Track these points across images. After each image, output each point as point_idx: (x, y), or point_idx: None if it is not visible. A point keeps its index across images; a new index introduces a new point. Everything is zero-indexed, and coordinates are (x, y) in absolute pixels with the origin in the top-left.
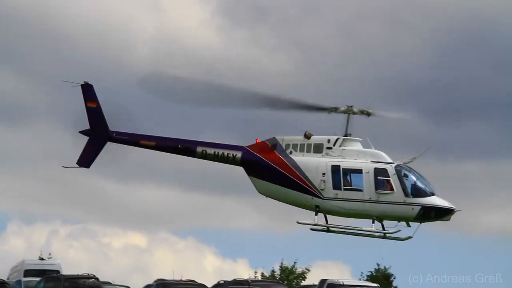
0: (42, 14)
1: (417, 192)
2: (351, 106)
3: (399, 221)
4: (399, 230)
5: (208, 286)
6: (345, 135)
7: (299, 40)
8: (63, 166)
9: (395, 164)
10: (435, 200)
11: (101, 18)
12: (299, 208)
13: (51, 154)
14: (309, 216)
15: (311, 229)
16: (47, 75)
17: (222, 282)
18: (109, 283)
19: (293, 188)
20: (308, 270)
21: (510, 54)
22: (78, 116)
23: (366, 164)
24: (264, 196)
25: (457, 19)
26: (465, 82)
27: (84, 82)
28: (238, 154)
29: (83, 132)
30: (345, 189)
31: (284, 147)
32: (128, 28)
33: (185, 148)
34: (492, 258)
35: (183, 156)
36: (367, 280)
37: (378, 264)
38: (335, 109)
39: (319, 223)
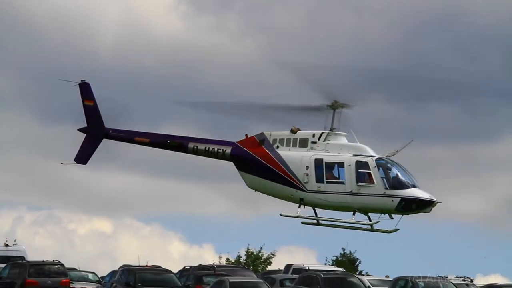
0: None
1: (397, 184)
2: (337, 101)
3: (381, 213)
4: (379, 222)
5: (174, 272)
6: (330, 130)
7: (265, 26)
8: (61, 163)
9: (376, 157)
10: (415, 192)
11: (65, 4)
12: (264, 195)
13: (17, 142)
14: (291, 208)
15: (302, 222)
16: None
17: (188, 267)
18: (74, 269)
19: (279, 182)
20: (274, 255)
21: (476, 38)
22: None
23: (348, 158)
24: (253, 190)
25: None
26: (430, 65)
27: (82, 81)
28: (228, 150)
29: (81, 130)
30: (327, 182)
31: (271, 142)
32: (93, 14)
33: (178, 144)
34: (458, 240)
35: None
36: (332, 265)
37: (343, 249)
38: (321, 106)
39: (302, 216)
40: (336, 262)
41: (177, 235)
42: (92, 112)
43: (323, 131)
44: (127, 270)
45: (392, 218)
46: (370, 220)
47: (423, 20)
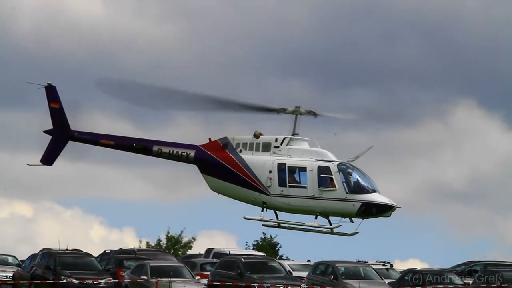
0: None
1: (358, 189)
2: (299, 107)
3: (342, 217)
4: (340, 225)
5: (95, 256)
6: (293, 135)
7: (184, 10)
8: (27, 164)
9: (338, 162)
10: (376, 197)
11: None
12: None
13: None
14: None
15: (263, 225)
16: None
17: (109, 251)
18: None
19: (242, 185)
20: (194, 240)
21: (398, 23)
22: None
23: (311, 162)
24: (216, 193)
25: None
26: (350, 50)
27: (48, 84)
28: (192, 153)
29: (46, 132)
30: (290, 186)
31: (234, 146)
32: None
33: (142, 147)
34: (376, 226)
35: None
36: (253, 249)
37: (264, 234)
38: (283, 110)
39: (265, 219)
40: (257, 247)
41: (98, 218)
42: (57, 114)
43: (285, 136)
44: (47, 253)
45: (352, 222)
46: (331, 224)
47: (346, 5)
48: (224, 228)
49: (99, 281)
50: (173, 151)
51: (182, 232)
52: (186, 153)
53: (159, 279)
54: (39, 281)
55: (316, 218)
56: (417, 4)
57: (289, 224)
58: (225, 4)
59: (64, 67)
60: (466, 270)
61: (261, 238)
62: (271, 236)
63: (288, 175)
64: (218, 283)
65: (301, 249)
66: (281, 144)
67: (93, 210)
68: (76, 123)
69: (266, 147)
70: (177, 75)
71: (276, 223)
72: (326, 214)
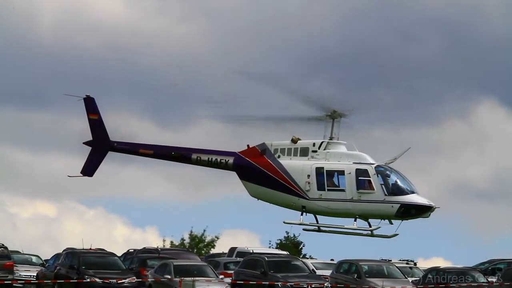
0: None
1: (396, 190)
2: (335, 111)
3: (381, 219)
4: (379, 227)
5: (118, 255)
6: (330, 139)
7: (207, 9)
8: (68, 176)
9: (376, 164)
10: (414, 198)
11: None
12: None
13: None
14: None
15: (304, 229)
16: None
17: (132, 250)
18: (18, 252)
19: (281, 190)
20: (218, 238)
21: (421, 23)
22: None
23: (348, 166)
24: (256, 199)
25: None
26: (371, 49)
27: (86, 95)
28: (230, 160)
29: (86, 143)
30: (328, 190)
31: (272, 152)
32: None
33: (181, 155)
34: (401, 224)
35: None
36: (276, 248)
37: (287, 232)
38: (322, 116)
39: (304, 223)
40: (280, 245)
41: (121, 218)
42: (97, 125)
43: (323, 140)
44: (71, 253)
45: (392, 224)
46: (370, 226)
47: (367, 3)
48: (247, 227)
49: (123, 281)
50: (212, 159)
51: (204, 231)
52: (225, 160)
53: (182, 278)
54: (62, 281)
55: (355, 220)
56: (439, 1)
57: (329, 228)
58: (245, 5)
59: (86, 66)
60: (489, 268)
61: (284, 237)
62: (294, 235)
63: (327, 178)
64: (242, 282)
65: (324, 247)
66: (318, 148)
67: (116, 210)
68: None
69: (304, 152)
70: (197, 75)
71: (317, 227)
72: (365, 217)
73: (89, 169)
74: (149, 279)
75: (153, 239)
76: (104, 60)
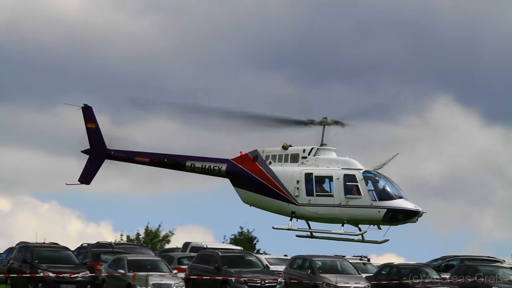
0: None
1: (384, 195)
2: (326, 118)
3: (369, 224)
4: (366, 232)
5: (71, 249)
6: (321, 145)
7: (162, 4)
8: (66, 184)
9: (363, 170)
10: (401, 203)
11: None
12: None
13: None
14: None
15: (297, 235)
16: None
17: (86, 245)
18: None
19: (271, 196)
20: (172, 234)
21: (379, 19)
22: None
23: (336, 171)
24: (248, 205)
25: None
26: (329, 46)
27: (84, 104)
28: (223, 167)
29: (84, 151)
30: (317, 195)
31: (264, 158)
32: None
33: (176, 162)
34: None
35: (45, 119)
36: (230, 243)
37: (241, 228)
38: (311, 122)
39: (293, 228)
40: (234, 241)
41: (75, 212)
42: (94, 134)
43: (313, 147)
44: (24, 247)
45: (380, 229)
46: (360, 231)
47: (323, 2)
48: (201, 222)
49: (76, 275)
50: (205, 166)
51: (159, 226)
52: (218, 167)
53: (136, 273)
54: (15, 275)
55: (342, 226)
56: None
57: (321, 233)
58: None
59: (40, 60)
60: (443, 264)
61: (238, 232)
62: (248, 231)
63: (315, 184)
64: (195, 277)
65: (278, 243)
66: (308, 154)
67: (70, 204)
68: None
69: (295, 158)
70: (158, 71)
71: (309, 233)
72: (353, 222)
73: (87, 177)
74: (103, 274)
75: (107, 234)
76: (60, 54)
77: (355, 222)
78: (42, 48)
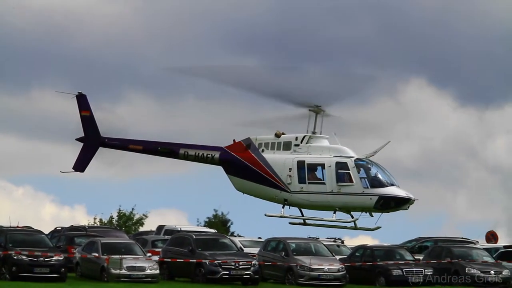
0: None
1: (375, 183)
2: (319, 106)
3: (361, 212)
4: (357, 219)
5: (45, 233)
6: (313, 133)
7: None
8: (61, 171)
9: (355, 157)
10: (392, 190)
11: None
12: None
13: None
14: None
15: (290, 223)
16: None
17: (60, 228)
18: None
19: (264, 184)
20: (146, 217)
21: (347, 3)
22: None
23: (328, 159)
24: (242, 193)
25: None
26: (302, 27)
27: (78, 92)
28: (216, 154)
29: (78, 139)
30: (309, 183)
31: (257, 146)
32: None
33: (169, 150)
34: None
35: (18, 103)
36: (204, 226)
37: (215, 210)
38: (303, 105)
39: (285, 215)
40: (208, 224)
41: (49, 196)
42: (88, 122)
43: (305, 135)
44: None
45: (372, 216)
46: (353, 218)
47: None
48: (175, 205)
49: (50, 258)
50: (198, 154)
51: (133, 209)
52: (211, 154)
53: (110, 256)
54: None
55: (334, 213)
56: None
57: (314, 221)
58: None
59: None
60: (416, 246)
61: (212, 215)
62: (222, 213)
63: (307, 172)
64: (169, 260)
65: (252, 226)
66: (301, 142)
67: (44, 188)
68: None
69: (287, 146)
70: (128, 51)
71: (302, 220)
72: (345, 209)
73: (81, 165)
74: (77, 257)
75: (81, 217)
76: (35, 39)
77: (347, 209)
78: (16, 32)
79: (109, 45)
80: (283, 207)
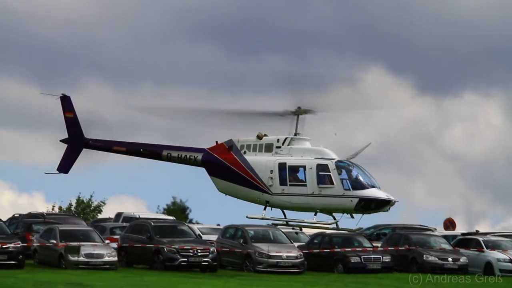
0: None
1: (356, 185)
2: (300, 107)
3: (342, 213)
4: (338, 221)
5: (3, 220)
6: (295, 135)
7: None
8: (45, 173)
9: (336, 159)
10: (373, 192)
11: None
12: None
13: None
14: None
15: (273, 224)
16: None
17: (18, 215)
18: None
19: (246, 186)
20: (104, 204)
21: None
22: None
23: (310, 161)
24: (224, 194)
25: None
26: (261, 15)
27: (62, 94)
28: (199, 156)
29: (62, 141)
30: (291, 185)
31: (239, 148)
32: None
33: (152, 152)
34: None
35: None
36: (163, 213)
37: (174, 198)
38: (285, 112)
39: (266, 217)
40: (168, 211)
41: (7, 183)
42: (72, 123)
43: (287, 136)
44: None
45: (353, 218)
46: (335, 219)
47: None
48: (134, 193)
49: (8, 245)
50: (181, 155)
51: (91, 196)
52: (194, 156)
53: (68, 242)
54: None
55: (315, 215)
56: None
57: (296, 222)
58: None
59: None
60: (375, 233)
61: (171, 202)
62: (181, 200)
63: (289, 174)
64: (127, 246)
65: (211, 213)
66: (282, 144)
67: (1, 175)
68: None
69: (269, 148)
70: (87, 40)
71: (285, 222)
72: (326, 211)
73: (65, 166)
74: (34, 244)
75: (39, 205)
76: None
77: (328, 211)
78: None
79: (66, 33)
80: (264, 209)
